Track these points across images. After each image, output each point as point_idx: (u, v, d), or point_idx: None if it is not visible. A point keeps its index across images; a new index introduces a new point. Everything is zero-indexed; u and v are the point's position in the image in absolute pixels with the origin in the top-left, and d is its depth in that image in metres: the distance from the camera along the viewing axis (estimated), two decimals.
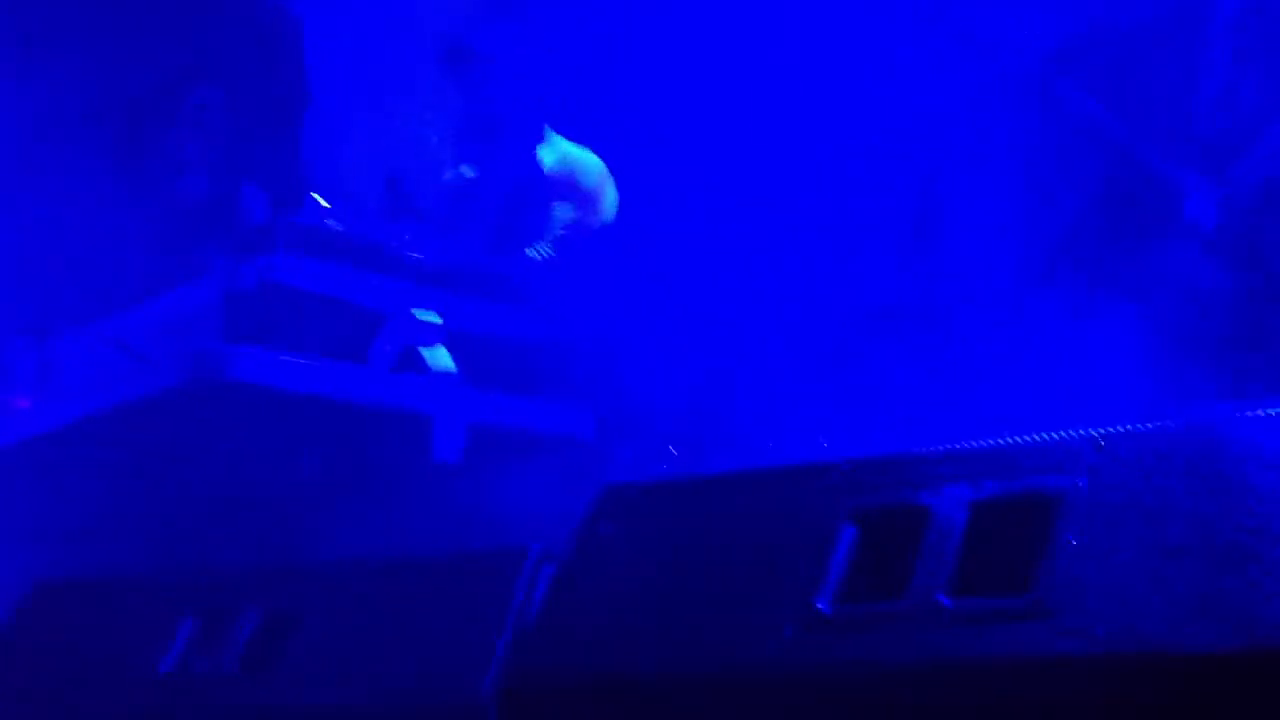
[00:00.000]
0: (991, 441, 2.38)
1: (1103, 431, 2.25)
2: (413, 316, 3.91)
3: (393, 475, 3.86)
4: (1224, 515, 2.05)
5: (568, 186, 4.44)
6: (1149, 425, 2.27)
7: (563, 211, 4.43)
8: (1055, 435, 2.31)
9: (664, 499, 2.71)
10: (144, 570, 3.24)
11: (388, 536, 3.63)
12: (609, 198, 4.50)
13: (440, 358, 3.90)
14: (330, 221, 3.98)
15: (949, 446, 2.42)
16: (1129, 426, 2.27)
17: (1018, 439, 2.37)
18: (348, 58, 4.93)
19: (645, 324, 4.27)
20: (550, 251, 4.33)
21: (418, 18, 4.99)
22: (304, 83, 4.91)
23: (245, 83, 4.88)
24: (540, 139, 4.56)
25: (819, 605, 2.27)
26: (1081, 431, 2.27)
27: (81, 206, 4.66)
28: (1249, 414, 2.19)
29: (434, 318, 3.95)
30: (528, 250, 4.36)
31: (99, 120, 4.87)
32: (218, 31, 4.90)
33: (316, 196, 4.03)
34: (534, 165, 4.52)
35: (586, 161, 4.53)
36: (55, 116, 4.76)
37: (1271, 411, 2.18)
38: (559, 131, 4.64)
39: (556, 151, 4.58)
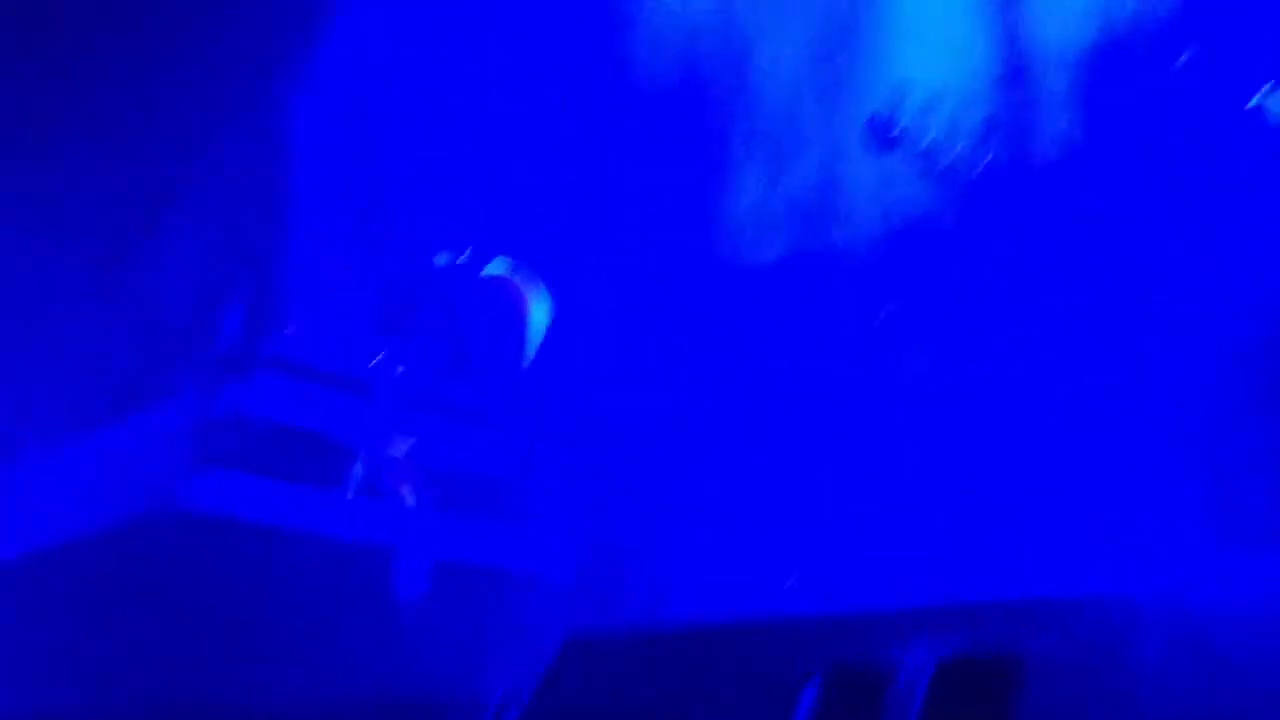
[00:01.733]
0: (959, 600, 2.34)
1: (1062, 599, 2.22)
2: (384, 448, 3.87)
3: (360, 609, 3.80)
4: (1199, 684, 2.01)
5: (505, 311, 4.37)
6: (1121, 589, 2.24)
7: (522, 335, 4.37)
8: (1024, 596, 2.28)
9: (627, 652, 2.66)
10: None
11: (353, 673, 3.56)
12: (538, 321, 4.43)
13: (409, 491, 3.86)
14: (306, 348, 3.95)
15: (915, 604, 2.38)
16: (1102, 589, 2.24)
17: (986, 599, 2.33)
18: (332, 180, 4.94)
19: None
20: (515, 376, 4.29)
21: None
22: (287, 208, 4.92)
23: (227, 206, 4.89)
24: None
25: None
26: (1044, 598, 2.24)
27: (58, 322, 4.64)
28: (1226, 578, 2.16)
29: (405, 449, 3.91)
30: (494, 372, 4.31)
31: (81, 236, 4.86)
32: (202, 153, 4.92)
33: (292, 326, 4.01)
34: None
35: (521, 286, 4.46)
36: (39, 228, 4.75)
37: (1249, 577, 2.15)
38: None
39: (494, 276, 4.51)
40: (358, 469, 3.77)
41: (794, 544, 4.32)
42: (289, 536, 3.58)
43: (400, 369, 3.97)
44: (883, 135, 3.72)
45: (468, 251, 4.41)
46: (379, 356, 4.03)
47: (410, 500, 3.82)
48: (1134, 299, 3.75)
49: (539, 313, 4.42)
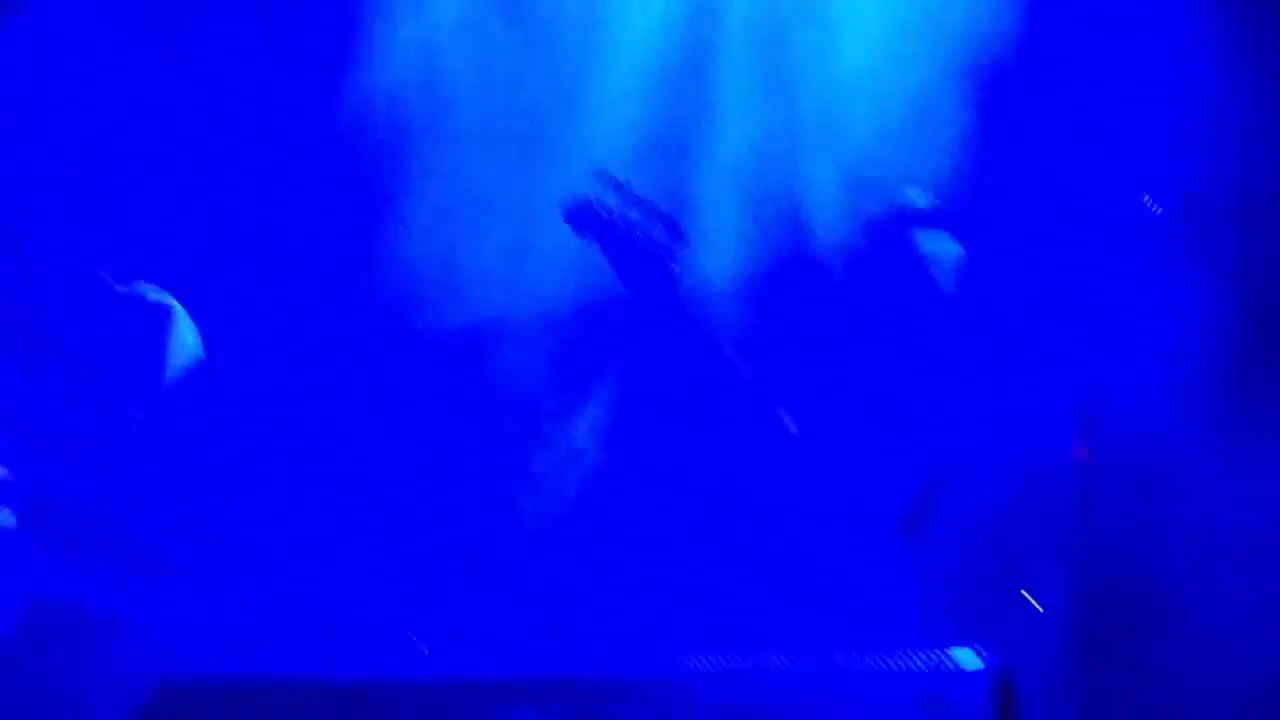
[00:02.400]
0: (562, 672, 2.34)
1: (681, 669, 2.24)
2: None
3: None
4: None
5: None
6: (728, 667, 2.27)
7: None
8: (631, 671, 2.28)
9: (220, 700, 2.54)
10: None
11: None
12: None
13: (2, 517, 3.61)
14: None
15: (518, 675, 2.36)
16: (711, 665, 2.27)
17: (592, 672, 2.33)
18: None
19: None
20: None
21: None
22: None
23: None
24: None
25: None
26: (660, 669, 2.25)
27: None
28: (810, 661, 2.22)
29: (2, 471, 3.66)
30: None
31: None
32: None
33: None
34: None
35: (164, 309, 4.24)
36: None
37: (832, 661, 2.21)
38: None
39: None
40: None
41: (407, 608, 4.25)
42: None
43: (17, 393, 3.71)
44: (586, 216, 3.68)
45: (100, 271, 4.18)
46: None
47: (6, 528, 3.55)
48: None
49: (185, 339, 4.22)
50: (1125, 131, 3.99)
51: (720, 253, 4.47)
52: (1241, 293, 3.88)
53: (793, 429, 3.75)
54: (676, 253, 3.71)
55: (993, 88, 4.19)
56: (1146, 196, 3.36)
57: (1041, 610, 3.13)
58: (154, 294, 4.19)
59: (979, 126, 4.16)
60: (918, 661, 2.23)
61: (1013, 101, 4.17)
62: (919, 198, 3.96)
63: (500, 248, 4.67)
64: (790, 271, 4.44)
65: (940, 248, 3.85)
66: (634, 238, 3.67)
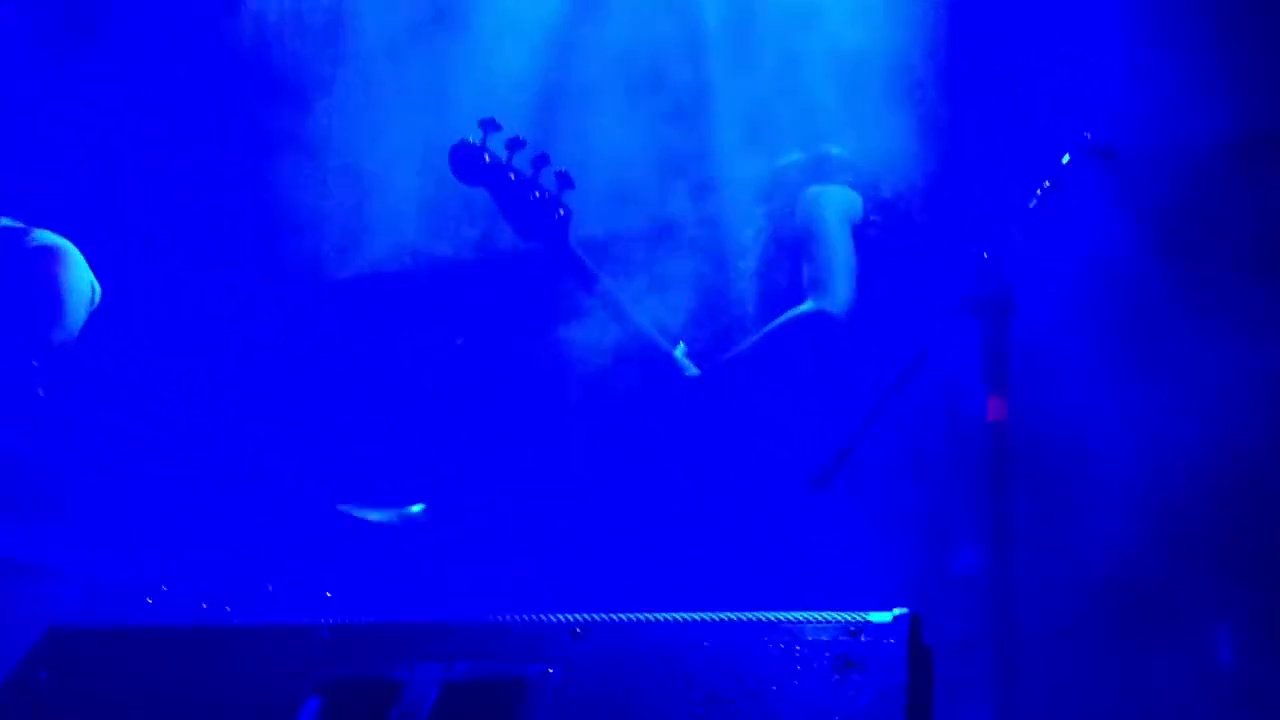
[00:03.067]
0: (471, 620, 2.29)
1: (581, 619, 2.20)
2: None
3: None
4: (683, 714, 2.03)
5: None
6: (628, 617, 2.24)
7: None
8: (534, 619, 2.24)
9: (116, 648, 2.46)
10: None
11: None
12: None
13: None
14: None
15: (428, 620, 2.31)
16: (608, 616, 2.23)
17: (499, 619, 2.29)
18: None
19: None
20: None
21: None
22: None
23: None
24: None
25: None
26: (561, 618, 2.21)
27: None
28: (721, 618, 2.20)
29: None
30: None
31: None
32: None
33: None
34: None
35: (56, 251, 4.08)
36: None
37: (741, 618, 2.19)
38: None
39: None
40: None
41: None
42: None
43: None
44: (474, 163, 3.63)
45: None
46: None
47: None
48: None
49: (79, 282, 4.08)
50: (1047, 82, 4.01)
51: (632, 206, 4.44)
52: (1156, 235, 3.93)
53: (693, 371, 3.75)
54: (565, 201, 3.71)
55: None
56: (1086, 133, 3.38)
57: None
58: (47, 237, 4.06)
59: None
60: (828, 619, 2.21)
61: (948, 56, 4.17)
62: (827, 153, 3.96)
63: (405, 197, 4.61)
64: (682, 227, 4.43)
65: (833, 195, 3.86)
66: (521, 185, 3.65)
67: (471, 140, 3.62)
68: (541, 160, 3.67)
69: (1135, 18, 4.00)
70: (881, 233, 3.92)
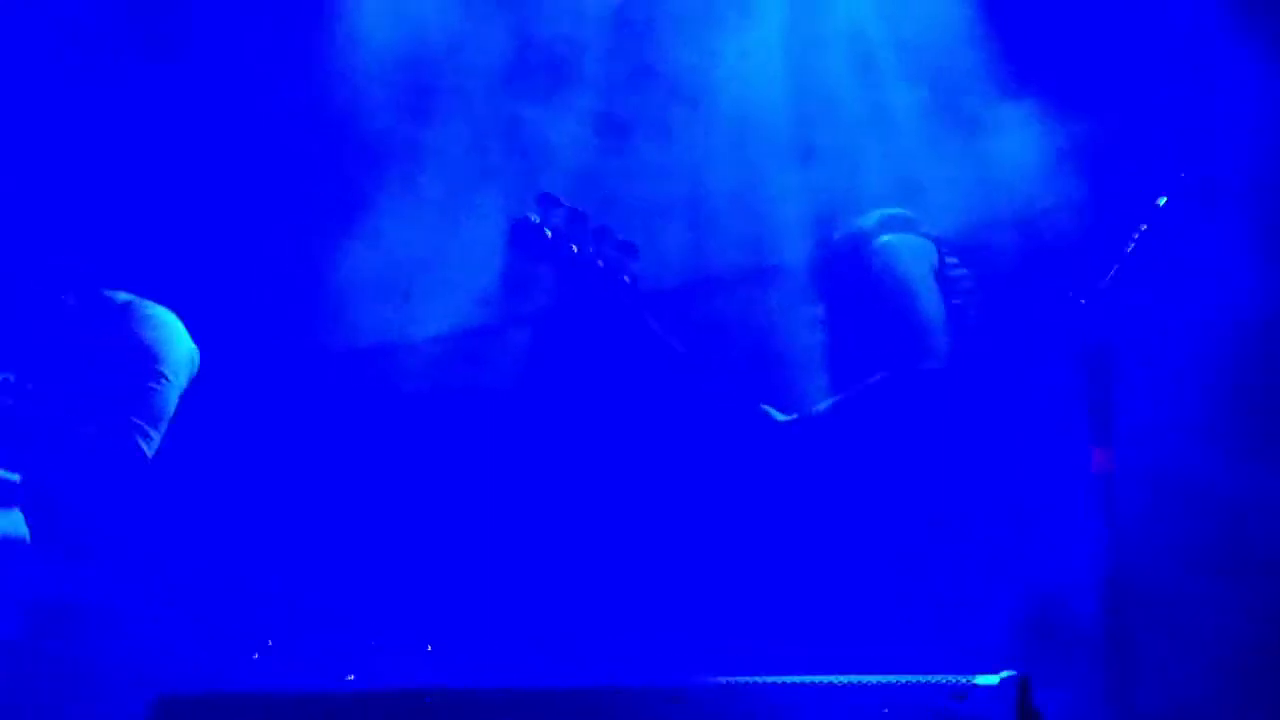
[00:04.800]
0: (569, 685, 2.29)
1: (678, 684, 2.19)
2: None
3: None
4: None
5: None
6: (725, 680, 2.23)
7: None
8: (632, 684, 2.24)
9: (223, 715, 2.49)
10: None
11: None
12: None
13: (12, 523, 3.59)
14: None
15: (528, 686, 2.33)
16: (706, 680, 2.23)
17: (595, 683, 2.29)
18: None
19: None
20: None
21: None
22: None
23: None
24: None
25: None
26: (658, 683, 2.21)
27: None
28: (822, 680, 2.18)
29: (12, 476, 3.64)
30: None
31: None
32: None
33: None
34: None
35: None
36: None
37: (844, 680, 2.17)
38: None
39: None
40: None
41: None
42: None
43: (12, 398, 3.68)
44: (530, 240, 3.65)
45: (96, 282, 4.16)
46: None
47: (9, 535, 3.53)
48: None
49: (181, 350, 4.18)
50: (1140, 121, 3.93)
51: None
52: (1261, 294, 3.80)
53: (785, 420, 3.73)
54: (631, 269, 3.70)
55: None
56: (1182, 172, 3.30)
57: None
58: (152, 308, 4.17)
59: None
60: (933, 681, 2.18)
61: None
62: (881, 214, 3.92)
63: (460, 259, 4.62)
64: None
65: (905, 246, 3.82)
66: (583, 258, 3.66)
67: (530, 216, 3.63)
68: (603, 232, 3.67)
69: (1235, 45, 3.91)
70: (963, 280, 3.86)
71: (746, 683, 2.27)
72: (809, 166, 4.11)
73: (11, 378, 3.75)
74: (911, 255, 3.79)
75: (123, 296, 4.14)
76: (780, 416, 3.77)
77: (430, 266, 4.61)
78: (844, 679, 2.20)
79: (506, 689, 2.37)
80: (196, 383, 4.12)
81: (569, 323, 4.11)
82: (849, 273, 3.88)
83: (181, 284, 4.38)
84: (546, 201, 3.63)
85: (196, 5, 4.82)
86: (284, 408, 4.71)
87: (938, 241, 3.89)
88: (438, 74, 4.67)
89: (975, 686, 2.16)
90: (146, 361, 3.96)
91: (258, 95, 4.76)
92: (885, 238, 3.82)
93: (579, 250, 3.63)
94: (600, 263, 3.64)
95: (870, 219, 3.91)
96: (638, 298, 3.67)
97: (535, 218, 3.62)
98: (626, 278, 3.65)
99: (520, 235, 3.60)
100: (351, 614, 4.19)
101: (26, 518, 3.73)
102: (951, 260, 3.87)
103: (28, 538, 3.63)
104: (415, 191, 4.61)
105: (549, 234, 3.61)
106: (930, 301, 3.76)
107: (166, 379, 3.96)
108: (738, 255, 4.39)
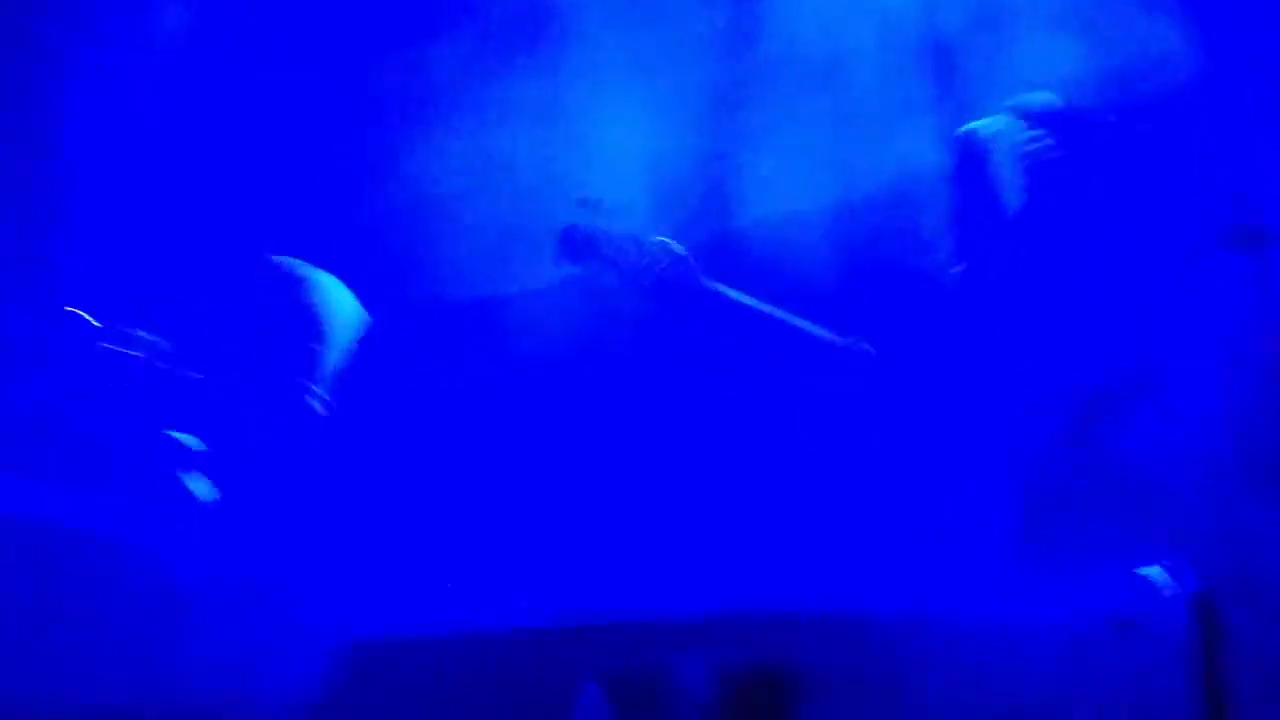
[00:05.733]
0: (739, 611, 2.36)
1: (838, 611, 2.24)
2: (176, 441, 3.75)
3: (141, 610, 3.67)
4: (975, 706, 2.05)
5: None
6: (892, 608, 2.27)
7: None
8: (801, 611, 2.30)
9: (411, 657, 2.63)
10: None
11: (133, 674, 3.45)
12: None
13: (199, 485, 3.75)
14: (99, 340, 3.81)
15: (696, 613, 2.40)
16: (873, 607, 2.27)
17: (767, 610, 2.35)
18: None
19: None
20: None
21: None
22: (76, 190, 4.75)
23: (9, 193, 4.68)
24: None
25: None
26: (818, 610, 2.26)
27: None
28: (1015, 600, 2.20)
29: (195, 441, 3.80)
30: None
31: None
32: None
33: (84, 315, 3.87)
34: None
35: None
36: None
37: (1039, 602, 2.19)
38: None
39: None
40: (147, 465, 3.65)
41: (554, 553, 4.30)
42: (67, 535, 3.44)
43: (192, 365, 3.85)
44: (578, 245, 3.68)
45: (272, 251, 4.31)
46: (169, 349, 3.90)
47: (197, 497, 3.70)
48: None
49: (348, 310, 4.33)
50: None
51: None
52: None
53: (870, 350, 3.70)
54: (675, 248, 3.70)
55: None
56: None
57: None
58: (314, 270, 4.32)
59: None
60: (1105, 582, 2.18)
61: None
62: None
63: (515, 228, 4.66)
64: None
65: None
66: (631, 247, 3.67)
67: (576, 223, 3.66)
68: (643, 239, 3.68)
69: None
70: (1047, 151, 3.70)
71: (912, 609, 2.31)
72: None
73: (188, 345, 3.93)
74: (974, 142, 3.66)
75: (289, 263, 4.29)
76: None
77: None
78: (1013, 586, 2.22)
79: (677, 620, 2.45)
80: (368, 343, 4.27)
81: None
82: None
83: (336, 249, 4.52)
84: (587, 203, 3.66)
85: None
86: (441, 365, 4.83)
87: (1029, 114, 3.73)
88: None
89: (1144, 578, 2.16)
90: (312, 324, 4.11)
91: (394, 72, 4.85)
92: (966, 126, 3.70)
93: (623, 243, 3.65)
94: (647, 250, 3.65)
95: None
96: (694, 271, 3.67)
97: (579, 220, 3.65)
98: (677, 253, 3.65)
99: (567, 243, 3.65)
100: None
101: (209, 482, 3.90)
102: (1036, 134, 3.70)
103: (211, 501, 3.80)
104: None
105: (595, 235, 3.63)
106: (977, 194, 3.65)
107: (333, 340, 4.11)
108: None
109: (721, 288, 3.69)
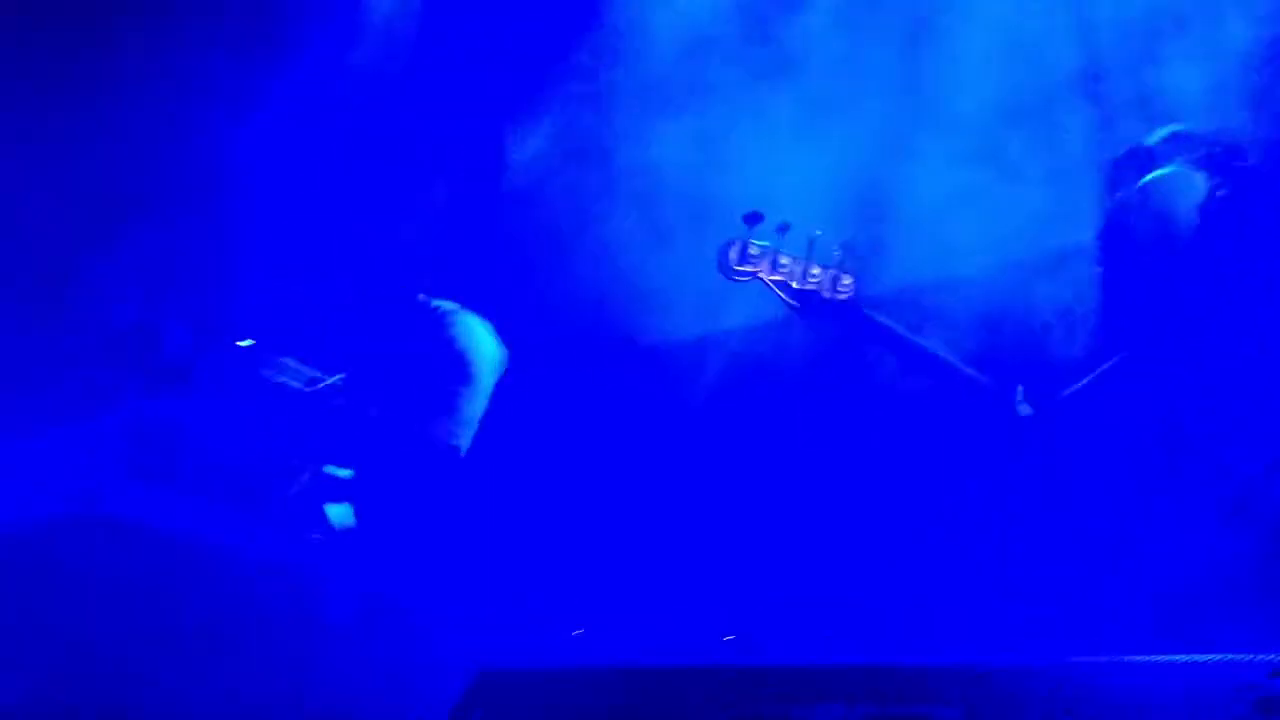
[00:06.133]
0: (872, 661, 2.32)
1: (980, 662, 2.19)
2: (322, 470, 3.83)
3: (281, 633, 3.74)
4: None
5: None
6: (1026, 663, 2.22)
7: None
8: (935, 661, 2.25)
9: (539, 689, 2.62)
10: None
11: (270, 695, 3.51)
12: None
13: (344, 515, 3.81)
14: (249, 366, 3.92)
15: (831, 662, 2.36)
16: (1006, 660, 2.22)
17: (898, 661, 2.31)
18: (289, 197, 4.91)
19: None
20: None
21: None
22: (243, 218, 4.92)
23: (183, 218, 4.87)
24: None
25: None
26: (961, 661, 2.21)
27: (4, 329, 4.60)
28: (1136, 659, 2.14)
29: (344, 473, 3.87)
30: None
31: (33, 240, 4.84)
32: (160, 164, 4.91)
33: (243, 340, 3.98)
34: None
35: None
36: None
37: (1159, 659, 2.13)
38: None
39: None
40: (292, 492, 3.73)
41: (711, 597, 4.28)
42: (214, 554, 3.52)
43: (342, 398, 3.94)
44: (739, 260, 3.67)
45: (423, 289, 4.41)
46: (325, 381, 3.99)
47: (341, 526, 3.77)
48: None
49: (490, 350, 4.40)
50: None
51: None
52: None
53: (1027, 411, 3.61)
54: (849, 269, 3.66)
55: None
56: None
57: None
58: (462, 312, 4.41)
59: None
60: (1252, 660, 2.11)
61: None
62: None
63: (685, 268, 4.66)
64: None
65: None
66: (794, 270, 3.64)
67: (737, 237, 3.64)
68: (814, 239, 3.65)
69: None
70: (1243, 208, 3.56)
71: (1047, 663, 2.25)
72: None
73: (341, 379, 4.02)
74: (1167, 195, 3.56)
75: (437, 303, 4.39)
76: (1027, 409, 3.65)
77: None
78: (1141, 658, 2.16)
79: (811, 666, 2.41)
80: (510, 378, 4.34)
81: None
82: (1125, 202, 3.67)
83: (494, 287, 4.60)
84: (752, 219, 3.65)
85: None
86: (591, 402, 4.87)
87: (1212, 163, 3.63)
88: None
89: None
90: (458, 366, 4.20)
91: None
92: (1151, 175, 3.58)
93: (789, 263, 3.63)
94: (815, 271, 3.63)
95: (1154, 137, 3.70)
96: (857, 300, 3.64)
97: (741, 235, 3.65)
98: (846, 280, 3.63)
99: (727, 258, 3.64)
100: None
101: (356, 512, 3.98)
102: (1220, 189, 3.61)
103: (357, 530, 3.86)
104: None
105: (755, 250, 3.62)
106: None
107: (475, 382, 4.20)
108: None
109: (886, 319, 3.66)
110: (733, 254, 3.65)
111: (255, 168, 4.89)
